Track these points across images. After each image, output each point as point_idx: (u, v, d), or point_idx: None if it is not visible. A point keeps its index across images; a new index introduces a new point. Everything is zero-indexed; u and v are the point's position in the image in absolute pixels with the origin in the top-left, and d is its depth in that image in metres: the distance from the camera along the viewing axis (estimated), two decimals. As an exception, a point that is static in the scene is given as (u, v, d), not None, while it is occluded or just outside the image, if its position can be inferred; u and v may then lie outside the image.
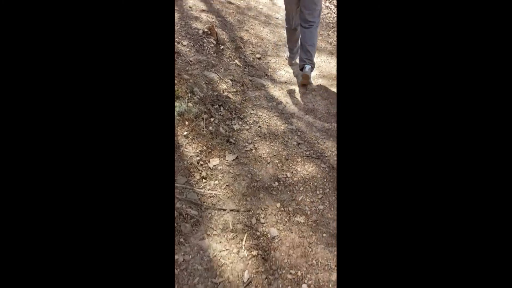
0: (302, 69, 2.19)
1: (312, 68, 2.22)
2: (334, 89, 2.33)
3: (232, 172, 1.54)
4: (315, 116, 2.08)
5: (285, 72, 2.55)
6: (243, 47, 2.67)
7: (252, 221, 1.33)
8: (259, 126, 1.89)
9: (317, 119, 2.06)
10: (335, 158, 1.70)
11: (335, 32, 3.19)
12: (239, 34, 2.83)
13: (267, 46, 2.83)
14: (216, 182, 1.48)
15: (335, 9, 3.67)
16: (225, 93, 2.04)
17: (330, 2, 3.91)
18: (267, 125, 1.91)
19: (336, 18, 3.44)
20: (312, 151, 1.76)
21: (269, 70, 2.55)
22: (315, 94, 2.31)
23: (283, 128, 1.91)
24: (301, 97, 2.26)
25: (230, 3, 3.46)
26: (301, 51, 2.21)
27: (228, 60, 2.43)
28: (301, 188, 1.52)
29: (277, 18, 3.40)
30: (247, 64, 2.51)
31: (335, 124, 1.96)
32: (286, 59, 2.62)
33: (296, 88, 2.33)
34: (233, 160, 1.61)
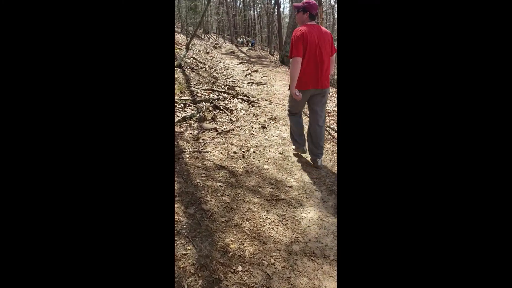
0: (315, 162, 2.52)
1: (321, 157, 2.53)
2: None
3: None
4: None
5: None
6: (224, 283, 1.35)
7: None
8: None
9: None
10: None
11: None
12: (223, 240, 1.58)
13: (273, 263, 1.46)
14: None
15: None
16: None
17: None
18: None
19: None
20: None
21: None
22: None
23: None
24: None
25: (222, 167, 2.42)
26: (313, 147, 2.49)
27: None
28: None
29: (290, 188, 2.20)
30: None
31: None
32: (296, 150, 2.76)
33: None
34: None
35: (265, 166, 2.53)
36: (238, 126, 3.51)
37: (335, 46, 2.31)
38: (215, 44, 14.47)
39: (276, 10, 12.97)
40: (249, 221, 1.76)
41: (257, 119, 3.83)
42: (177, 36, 9.73)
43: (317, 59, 2.23)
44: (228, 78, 6.70)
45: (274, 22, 12.31)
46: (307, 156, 2.66)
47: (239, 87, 5.98)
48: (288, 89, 2.52)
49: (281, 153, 2.84)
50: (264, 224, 1.74)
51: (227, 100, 4.50)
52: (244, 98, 4.82)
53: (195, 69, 6.27)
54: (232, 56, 11.72)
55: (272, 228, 1.71)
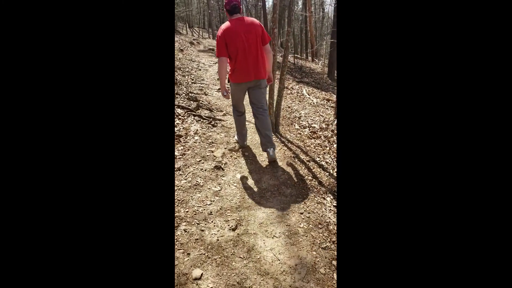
0: (266, 152, 2.49)
1: (274, 149, 2.48)
2: None
3: None
4: None
5: None
6: None
7: None
8: None
9: None
10: None
11: None
12: None
13: None
14: None
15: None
16: None
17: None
18: None
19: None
20: None
21: None
22: None
23: None
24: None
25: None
26: (261, 138, 2.48)
27: None
28: None
29: None
30: None
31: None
32: (236, 142, 2.83)
33: None
34: None
35: (195, 273, 1.39)
36: (179, 168, 2.35)
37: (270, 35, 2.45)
38: (194, 39, 13.11)
39: (261, 2, 11.82)
40: None
41: (212, 151, 2.68)
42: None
43: (245, 52, 2.22)
44: (195, 83, 5.50)
45: (261, 15, 11.18)
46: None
47: (206, 94, 4.80)
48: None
49: (234, 229, 1.70)
50: None
51: (178, 119, 3.32)
52: (205, 114, 3.65)
53: (153, 72, 5.06)
54: (210, 54, 10.43)
55: None
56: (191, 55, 9.04)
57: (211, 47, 11.64)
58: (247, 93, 2.45)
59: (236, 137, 2.83)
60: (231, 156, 2.60)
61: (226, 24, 2.20)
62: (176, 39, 11.20)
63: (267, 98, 2.95)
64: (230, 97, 2.46)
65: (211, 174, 2.29)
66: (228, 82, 2.44)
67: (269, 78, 2.47)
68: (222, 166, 2.41)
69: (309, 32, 11.93)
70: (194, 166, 2.39)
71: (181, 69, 6.31)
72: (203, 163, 2.45)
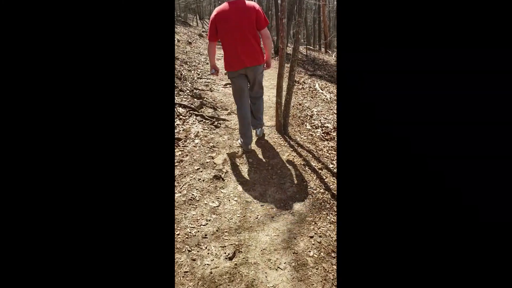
0: (256, 131, 2.70)
1: (262, 128, 2.71)
2: None
3: None
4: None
5: None
6: None
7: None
8: None
9: None
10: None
11: None
12: None
13: None
14: None
15: None
16: None
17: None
18: None
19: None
20: None
21: None
22: None
23: None
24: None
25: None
26: (253, 119, 2.59)
27: None
28: None
29: None
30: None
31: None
32: (240, 146, 2.57)
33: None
34: None
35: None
36: (175, 177, 2.10)
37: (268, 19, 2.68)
38: (203, 31, 12.76)
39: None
40: None
41: (213, 157, 2.42)
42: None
43: (237, 39, 2.15)
44: (201, 78, 5.23)
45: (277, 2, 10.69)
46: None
47: (211, 90, 4.53)
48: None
49: (231, 258, 1.44)
50: None
51: (179, 119, 3.07)
52: (208, 113, 3.38)
53: (157, 66, 4.82)
54: (218, 46, 10.08)
55: None
56: (199, 48, 8.76)
57: (220, 40, 11.31)
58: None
59: (240, 141, 2.53)
60: (233, 163, 2.34)
61: (221, 7, 2.11)
62: (185, 31, 10.92)
63: (275, 97, 2.66)
64: (218, 75, 2.50)
65: (209, 186, 2.03)
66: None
67: (267, 64, 2.40)
68: (223, 176, 2.15)
69: (323, 22, 11.42)
70: (191, 176, 2.13)
71: (188, 63, 6.05)
72: (201, 171, 2.20)
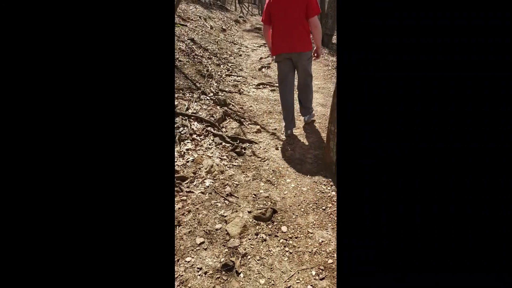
0: (304, 118, 2.78)
1: (311, 115, 2.77)
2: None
3: None
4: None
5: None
6: None
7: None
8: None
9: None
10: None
11: None
12: None
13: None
14: None
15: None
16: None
17: None
18: None
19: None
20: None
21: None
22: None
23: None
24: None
25: None
26: (301, 108, 2.69)
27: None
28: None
29: None
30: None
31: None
32: (283, 131, 2.60)
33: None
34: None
35: None
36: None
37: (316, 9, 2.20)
38: (240, 17, 11.80)
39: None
40: None
41: (226, 220, 1.58)
42: (184, 6, 7.43)
43: (285, 24, 2.20)
44: (231, 74, 4.39)
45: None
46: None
47: (240, 93, 3.69)
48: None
49: None
50: None
51: (191, 141, 2.28)
52: (232, 129, 2.55)
53: (181, 60, 4.04)
54: (255, 34, 9.08)
55: None
56: (233, 36, 7.89)
57: (258, 26, 10.32)
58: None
59: (283, 123, 2.59)
60: (256, 235, 1.49)
61: None
62: (220, 16, 10.07)
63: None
64: (278, 66, 2.47)
65: (215, 280, 1.22)
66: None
67: (317, 54, 2.40)
68: (237, 266, 1.32)
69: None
70: (186, 261, 1.33)
71: (217, 55, 5.22)
72: (205, 250, 1.39)
